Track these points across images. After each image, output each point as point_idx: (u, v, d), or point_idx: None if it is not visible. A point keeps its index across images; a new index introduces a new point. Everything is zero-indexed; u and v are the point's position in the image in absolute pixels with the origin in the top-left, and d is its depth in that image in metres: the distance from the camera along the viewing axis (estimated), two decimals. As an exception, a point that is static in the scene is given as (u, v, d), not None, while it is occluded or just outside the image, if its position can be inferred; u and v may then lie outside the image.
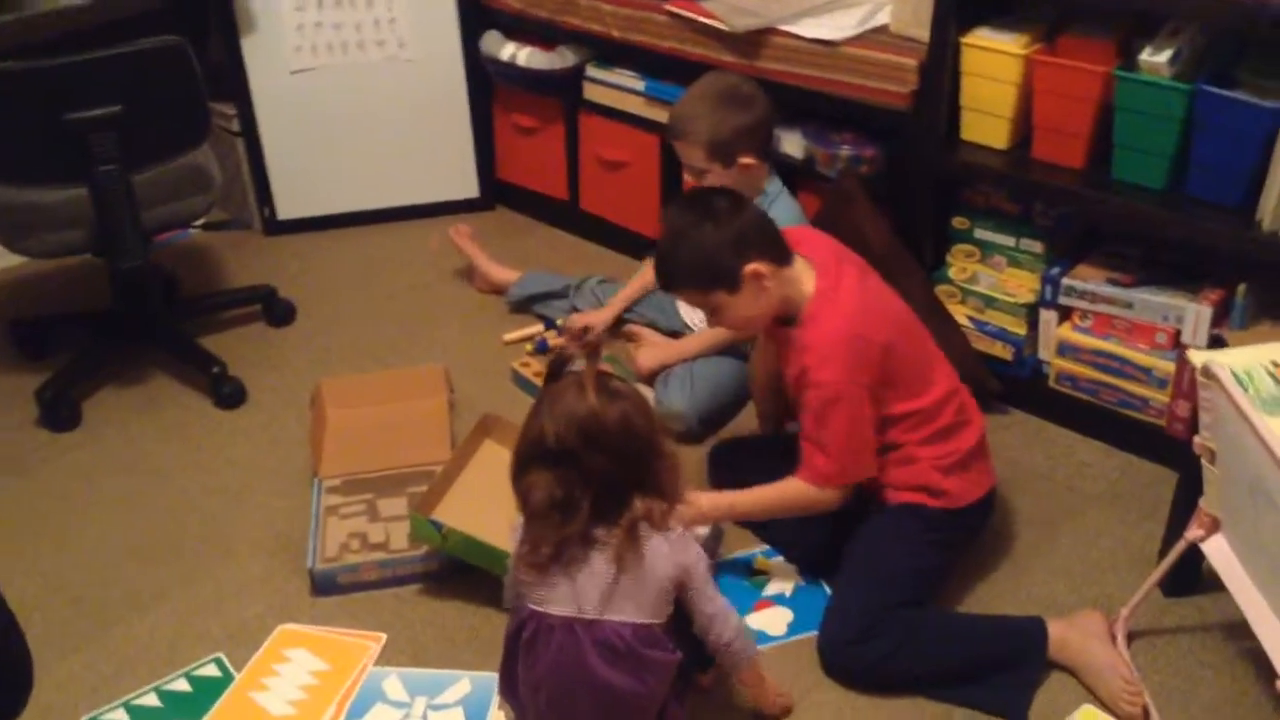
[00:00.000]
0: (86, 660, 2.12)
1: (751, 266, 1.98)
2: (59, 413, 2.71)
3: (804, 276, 2.05)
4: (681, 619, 1.79)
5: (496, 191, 3.61)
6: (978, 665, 1.98)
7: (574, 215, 3.44)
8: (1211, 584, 2.11)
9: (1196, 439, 1.86)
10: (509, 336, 2.99)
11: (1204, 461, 1.87)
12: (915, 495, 2.10)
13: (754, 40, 2.72)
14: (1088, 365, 2.52)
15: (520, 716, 1.83)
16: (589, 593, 1.69)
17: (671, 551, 1.72)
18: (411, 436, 2.56)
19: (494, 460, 2.43)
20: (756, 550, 2.30)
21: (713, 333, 2.59)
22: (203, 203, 2.71)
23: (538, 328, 3.01)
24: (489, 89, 3.46)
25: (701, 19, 2.78)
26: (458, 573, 2.24)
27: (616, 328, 2.91)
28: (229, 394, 2.77)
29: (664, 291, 2.19)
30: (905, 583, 2.04)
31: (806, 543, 2.24)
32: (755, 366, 2.45)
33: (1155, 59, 2.23)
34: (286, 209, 3.50)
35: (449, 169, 3.56)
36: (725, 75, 2.59)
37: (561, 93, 3.26)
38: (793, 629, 2.13)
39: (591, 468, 1.65)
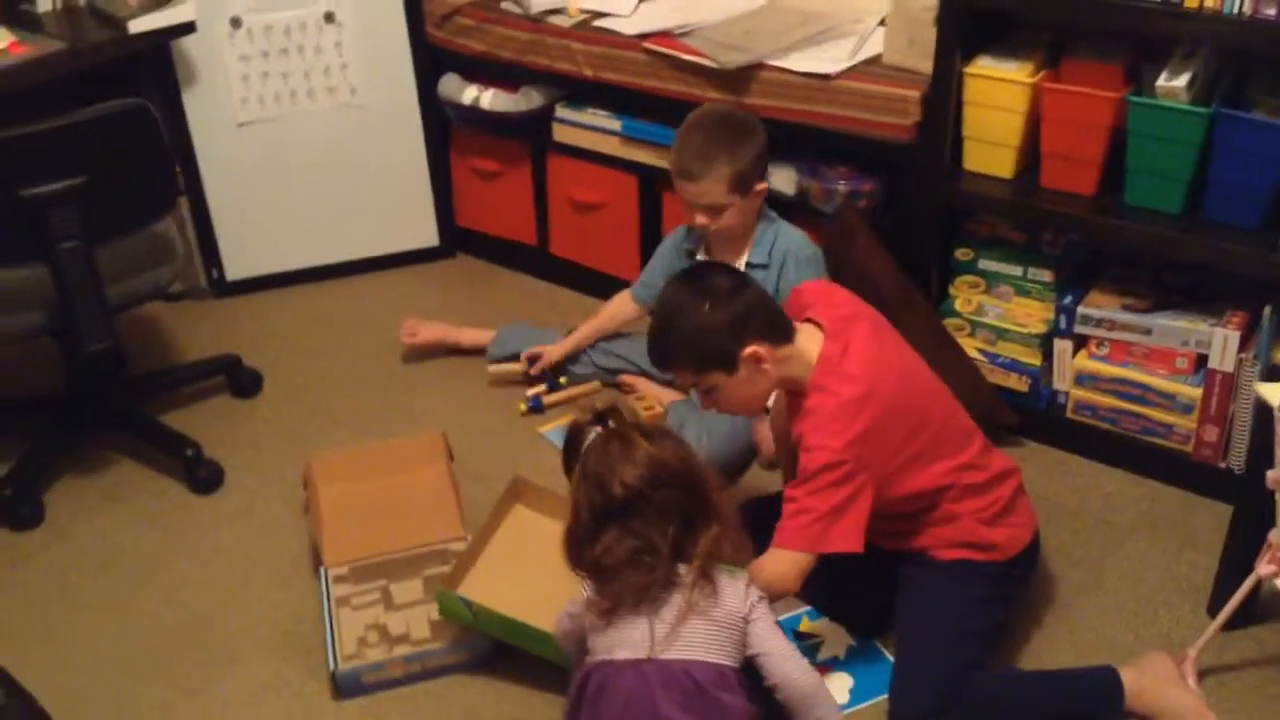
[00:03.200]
0: (93, 794, 1.93)
1: (750, 349, 1.90)
2: (20, 510, 2.48)
3: (809, 345, 1.96)
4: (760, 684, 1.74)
5: (457, 238, 3.46)
6: (1057, 725, 1.91)
7: (543, 260, 3.31)
8: (1266, 614, 2.09)
9: (1270, 474, 1.81)
10: (493, 370, 2.88)
11: (1278, 496, 1.82)
12: (963, 552, 2.00)
13: (742, 76, 2.63)
14: (1107, 393, 2.48)
15: None
16: (660, 632, 1.67)
17: (742, 588, 1.72)
18: (418, 512, 2.40)
19: (526, 527, 2.31)
20: (800, 612, 2.20)
21: None
22: (168, 273, 2.51)
23: (519, 366, 2.88)
24: (445, 133, 3.32)
25: (685, 56, 2.68)
26: (492, 660, 2.10)
27: (570, 365, 2.84)
28: (206, 477, 2.57)
29: (657, 369, 2.11)
30: (970, 645, 1.95)
31: (851, 601, 2.15)
32: (776, 422, 2.35)
33: (1173, 84, 2.20)
34: (236, 269, 3.30)
35: (406, 217, 3.40)
36: (716, 107, 2.53)
37: (527, 135, 3.14)
38: (856, 696, 2.03)
39: (664, 505, 1.66)
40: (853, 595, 2.14)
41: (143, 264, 2.44)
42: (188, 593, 2.33)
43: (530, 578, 2.17)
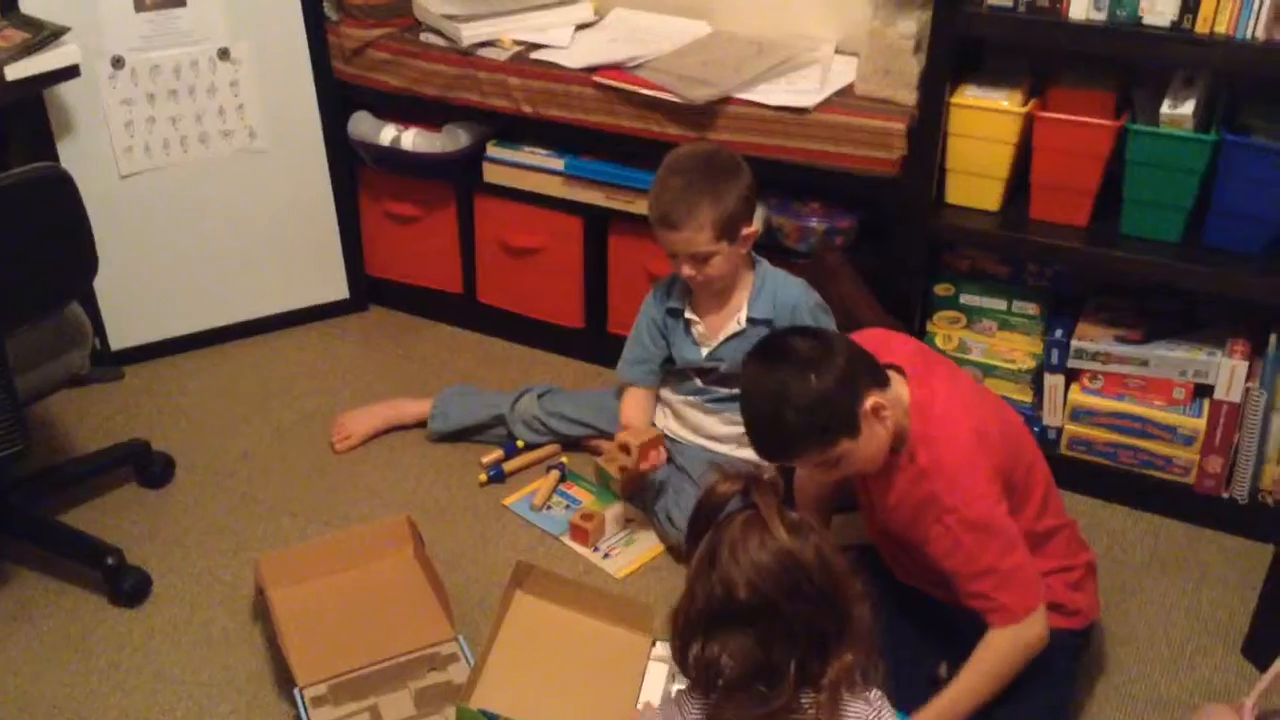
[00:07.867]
0: None
1: (869, 402, 1.73)
2: (-93, 647, 2.11)
3: (900, 391, 1.81)
4: None
5: (369, 290, 3.18)
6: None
7: (469, 309, 3.06)
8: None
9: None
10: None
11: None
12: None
13: (707, 111, 2.45)
14: (1103, 428, 2.41)
15: None
16: None
17: (875, 713, 1.51)
18: (394, 611, 2.15)
19: (535, 617, 2.10)
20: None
21: None
22: (78, 357, 2.17)
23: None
24: (354, 177, 3.03)
25: (645, 91, 2.49)
26: (516, 784, 1.87)
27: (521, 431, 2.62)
28: (132, 588, 2.24)
29: (778, 463, 1.89)
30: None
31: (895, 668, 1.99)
32: (801, 481, 2.17)
33: (1178, 111, 2.14)
34: (120, 337, 2.93)
35: (312, 269, 3.09)
36: (696, 147, 2.30)
37: (451, 176, 2.89)
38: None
39: (795, 620, 1.41)
40: (898, 661, 1.97)
41: (54, 349, 2.11)
42: (133, 731, 2.01)
43: (550, 678, 1.98)
